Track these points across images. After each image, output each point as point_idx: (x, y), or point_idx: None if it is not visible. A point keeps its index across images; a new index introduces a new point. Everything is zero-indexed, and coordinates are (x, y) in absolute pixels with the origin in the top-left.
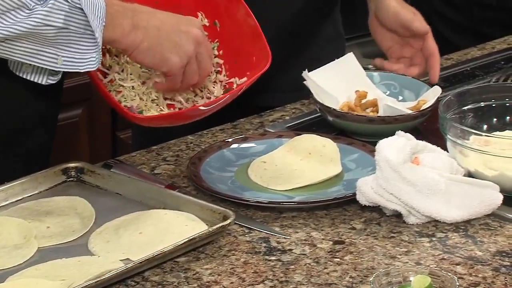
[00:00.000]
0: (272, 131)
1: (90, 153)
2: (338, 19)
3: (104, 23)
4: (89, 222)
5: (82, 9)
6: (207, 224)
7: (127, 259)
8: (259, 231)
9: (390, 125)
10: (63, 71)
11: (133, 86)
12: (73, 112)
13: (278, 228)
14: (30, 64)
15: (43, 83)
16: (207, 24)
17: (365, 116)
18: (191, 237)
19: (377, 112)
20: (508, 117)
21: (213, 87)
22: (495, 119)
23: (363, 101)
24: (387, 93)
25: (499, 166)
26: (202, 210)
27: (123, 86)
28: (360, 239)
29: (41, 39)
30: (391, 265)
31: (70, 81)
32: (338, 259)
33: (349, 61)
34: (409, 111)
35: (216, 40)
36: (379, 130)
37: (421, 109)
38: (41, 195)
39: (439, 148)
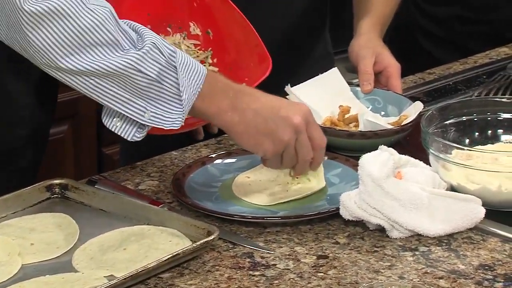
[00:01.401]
0: None
1: (75, 169)
2: (328, 40)
3: (199, 90)
4: (73, 238)
5: (176, 67)
6: (191, 240)
7: (111, 275)
8: (243, 246)
9: (370, 140)
10: (148, 128)
11: None
12: (59, 128)
13: (262, 243)
14: (119, 115)
15: (129, 138)
16: (199, 34)
17: (345, 131)
18: (175, 253)
19: (359, 127)
20: (489, 131)
21: None
22: (477, 133)
23: (347, 116)
24: (370, 108)
25: (481, 180)
26: (186, 225)
27: None
28: (344, 253)
29: (133, 88)
30: (375, 279)
31: None
32: (322, 274)
33: (333, 76)
34: (390, 126)
35: (210, 48)
36: (360, 144)
37: (402, 124)
38: (25, 212)
39: (421, 162)
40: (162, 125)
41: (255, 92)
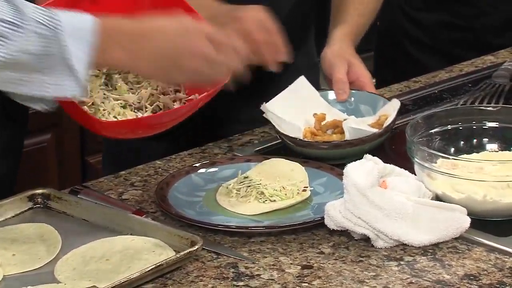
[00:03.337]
0: (241, 155)
1: (59, 178)
2: (312, 51)
3: (91, 50)
4: (56, 249)
5: (59, 37)
6: (174, 250)
7: (94, 286)
8: (227, 256)
9: (358, 147)
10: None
11: (93, 103)
12: (42, 137)
13: (246, 253)
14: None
15: (42, 110)
16: None
17: (331, 142)
18: (158, 264)
19: (341, 133)
20: (475, 140)
21: (173, 105)
22: (462, 142)
23: (323, 123)
24: (343, 110)
25: (466, 189)
26: (170, 236)
27: (83, 102)
28: (329, 263)
29: (28, 68)
30: None
31: None
32: (306, 284)
33: (302, 85)
34: (374, 130)
35: None
36: (347, 152)
37: (384, 125)
38: (6, 222)
39: (406, 171)
40: (65, 95)
41: (153, 29)
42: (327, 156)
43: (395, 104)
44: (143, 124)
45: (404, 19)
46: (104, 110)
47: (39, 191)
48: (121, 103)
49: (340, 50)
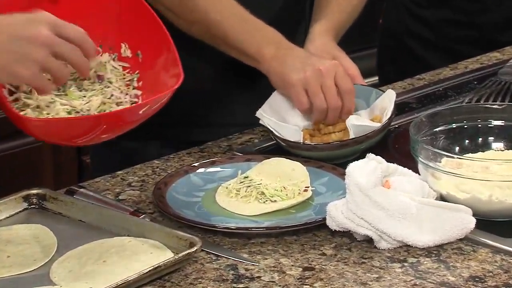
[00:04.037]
0: (241, 154)
1: (54, 178)
2: (302, 46)
3: None
4: (51, 251)
5: None
6: (173, 252)
7: None
8: (226, 258)
9: (363, 143)
10: None
11: (38, 106)
12: None
13: (246, 254)
14: None
15: None
16: (130, 56)
17: (337, 142)
18: (156, 265)
19: (339, 132)
20: (480, 139)
21: None
22: (467, 141)
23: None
24: None
25: (471, 189)
26: (168, 237)
27: (28, 105)
28: (331, 265)
29: None
30: None
31: None
32: (308, 286)
33: None
34: (376, 124)
35: (137, 71)
36: (352, 151)
37: (383, 119)
38: (1, 223)
39: (410, 171)
40: None
41: None
42: (331, 157)
43: (391, 95)
44: (75, 125)
45: (407, 16)
46: (48, 114)
47: (34, 191)
48: (67, 109)
49: (322, 46)
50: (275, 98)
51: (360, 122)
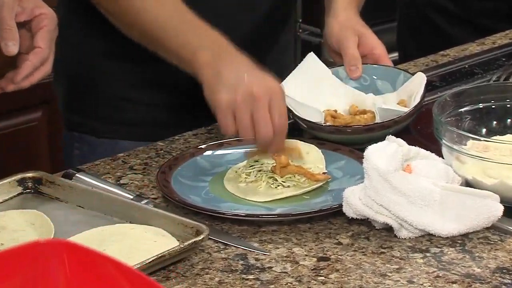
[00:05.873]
0: None
1: (50, 161)
2: (292, 25)
3: None
4: (48, 238)
5: None
6: (178, 240)
7: None
8: (235, 247)
9: (389, 129)
10: None
11: None
12: (32, 115)
13: (256, 243)
14: None
15: None
16: None
17: (363, 126)
18: (160, 254)
19: (364, 114)
20: (509, 120)
21: None
22: (495, 122)
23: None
24: (358, 88)
25: (499, 174)
26: (173, 224)
27: None
28: (347, 255)
29: None
30: (381, 284)
31: None
32: (322, 278)
33: (312, 62)
34: (404, 108)
35: None
36: (378, 136)
37: (411, 104)
38: None
39: (433, 154)
40: None
41: None
42: (355, 141)
43: (421, 78)
44: None
45: None
46: None
47: (30, 174)
48: None
49: (347, 21)
50: (296, 75)
51: (388, 106)
